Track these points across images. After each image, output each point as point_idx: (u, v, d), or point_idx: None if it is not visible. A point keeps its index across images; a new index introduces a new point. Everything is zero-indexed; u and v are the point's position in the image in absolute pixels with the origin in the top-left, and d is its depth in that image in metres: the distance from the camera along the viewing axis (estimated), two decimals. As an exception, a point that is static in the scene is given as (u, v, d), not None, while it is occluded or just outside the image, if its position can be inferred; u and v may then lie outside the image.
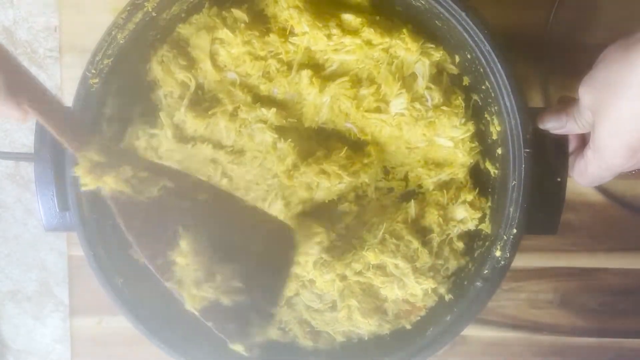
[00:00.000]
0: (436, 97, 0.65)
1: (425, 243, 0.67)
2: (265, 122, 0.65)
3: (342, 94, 0.66)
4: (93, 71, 0.61)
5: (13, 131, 0.82)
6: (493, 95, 0.61)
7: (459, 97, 0.66)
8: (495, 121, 0.63)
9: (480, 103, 0.65)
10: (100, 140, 0.55)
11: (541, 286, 0.80)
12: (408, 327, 0.68)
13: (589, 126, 0.57)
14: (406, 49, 0.64)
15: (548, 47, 0.76)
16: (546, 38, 0.76)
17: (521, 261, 0.79)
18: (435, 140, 0.66)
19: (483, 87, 0.62)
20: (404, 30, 0.64)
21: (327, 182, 0.65)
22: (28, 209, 0.84)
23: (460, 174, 0.68)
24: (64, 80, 0.79)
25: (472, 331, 0.81)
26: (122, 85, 0.64)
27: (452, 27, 0.61)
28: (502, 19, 0.75)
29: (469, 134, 0.66)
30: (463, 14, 0.59)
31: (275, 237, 0.63)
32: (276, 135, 0.65)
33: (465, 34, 0.60)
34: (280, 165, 0.65)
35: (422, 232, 0.68)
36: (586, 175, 0.59)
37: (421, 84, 0.65)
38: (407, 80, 0.65)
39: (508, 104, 0.60)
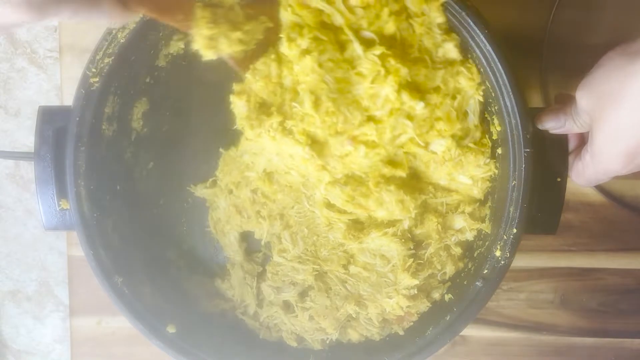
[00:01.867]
0: (478, 135, 0.64)
1: (417, 254, 0.67)
2: None
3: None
4: (93, 70, 0.61)
5: (13, 131, 0.82)
6: (493, 95, 0.61)
7: (486, 135, 0.65)
8: (495, 121, 0.63)
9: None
10: (205, 13, 0.58)
11: (541, 286, 0.80)
12: (401, 333, 0.68)
13: (587, 126, 0.57)
14: (470, 78, 0.62)
15: (548, 47, 0.76)
16: (546, 38, 0.76)
17: (521, 261, 0.79)
18: (456, 177, 0.66)
19: (483, 87, 0.62)
20: (470, 60, 0.61)
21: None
22: (28, 209, 0.84)
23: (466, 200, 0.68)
24: (64, 80, 0.79)
25: (472, 331, 0.81)
26: (123, 84, 0.65)
27: (451, 27, 0.61)
28: (502, 19, 0.75)
29: (489, 173, 0.65)
30: (463, 13, 0.60)
31: None
32: None
33: (465, 34, 0.60)
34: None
35: (417, 242, 0.68)
36: (583, 176, 0.59)
37: (472, 120, 0.63)
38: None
39: (508, 103, 0.60)
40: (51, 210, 0.64)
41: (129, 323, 0.63)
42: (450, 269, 0.67)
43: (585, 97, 0.53)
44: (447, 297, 0.67)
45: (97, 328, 0.82)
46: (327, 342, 0.69)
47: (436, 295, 0.68)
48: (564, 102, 0.59)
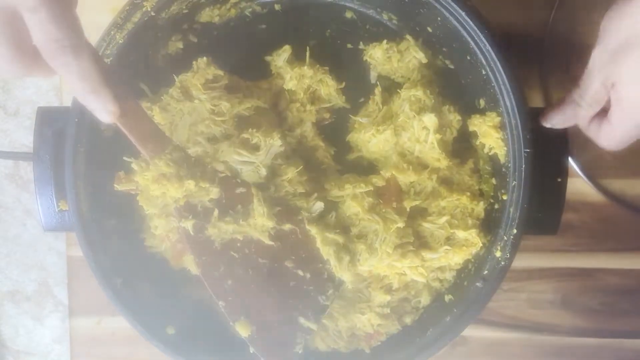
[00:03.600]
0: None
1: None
2: None
3: None
4: (92, 71, 0.61)
5: (12, 131, 0.82)
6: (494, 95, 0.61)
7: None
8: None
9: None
10: (174, 153, 0.59)
11: (541, 286, 0.80)
12: (367, 351, 0.68)
13: (598, 99, 0.56)
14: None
15: (548, 47, 0.76)
16: (546, 38, 0.75)
17: (521, 261, 0.79)
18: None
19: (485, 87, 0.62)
20: None
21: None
22: (27, 209, 0.83)
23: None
24: (63, 80, 0.79)
25: (473, 332, 0.80)
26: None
27: (451, 28, 0.61)
28: (502, 19, 0.74)
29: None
30: (463, 14, 0.59)
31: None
32: None
33: (465, 34, 0.60)
34: None
35: None
36: (614, 137, 0.57)
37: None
38: None
39: (508, 104, 0.60)
40: (50, 211, 0.64)
41: (128, 323, 0.63)
42: (425, 299, 0.67)
43: (613, 22, 0.52)
44: (447, 297, 0.67)
45: (96, 328, 0.82)
46: None
47: (407, 320, 0.67)
48: (565, 96, 0.58)
